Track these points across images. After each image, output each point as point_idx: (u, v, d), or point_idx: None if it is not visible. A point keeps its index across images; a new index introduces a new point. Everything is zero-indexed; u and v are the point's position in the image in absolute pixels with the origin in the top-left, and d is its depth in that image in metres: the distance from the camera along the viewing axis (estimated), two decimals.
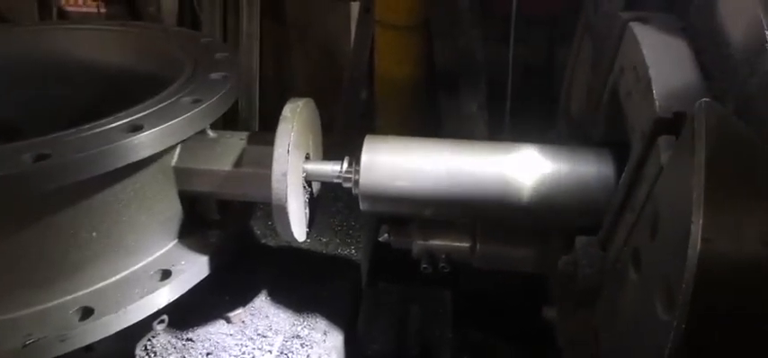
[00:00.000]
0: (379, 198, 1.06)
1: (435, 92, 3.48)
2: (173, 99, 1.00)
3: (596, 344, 0.93)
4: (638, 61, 0.87)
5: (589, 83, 1.16)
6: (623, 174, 0.89)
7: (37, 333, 0.89)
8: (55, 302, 0.94)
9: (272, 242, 1.48)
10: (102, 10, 3.73)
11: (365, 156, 1.05)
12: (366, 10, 3.75)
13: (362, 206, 1.08)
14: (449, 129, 3.55)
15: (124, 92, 1.35)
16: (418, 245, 1.20)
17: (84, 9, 3.75)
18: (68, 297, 0.95)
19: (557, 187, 1.02)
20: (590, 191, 1.03)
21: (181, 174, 1.05)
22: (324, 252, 1.44)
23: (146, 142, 0.89)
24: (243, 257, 1.30)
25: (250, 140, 1.09)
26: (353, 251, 1.48)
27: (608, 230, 0.93)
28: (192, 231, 1.12)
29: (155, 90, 1.22)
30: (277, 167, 0.98)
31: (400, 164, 1.05)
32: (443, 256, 1.20)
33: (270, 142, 1.07)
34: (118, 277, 1.00)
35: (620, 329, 0.85)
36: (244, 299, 1.25)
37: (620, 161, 1.01)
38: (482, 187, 1.03)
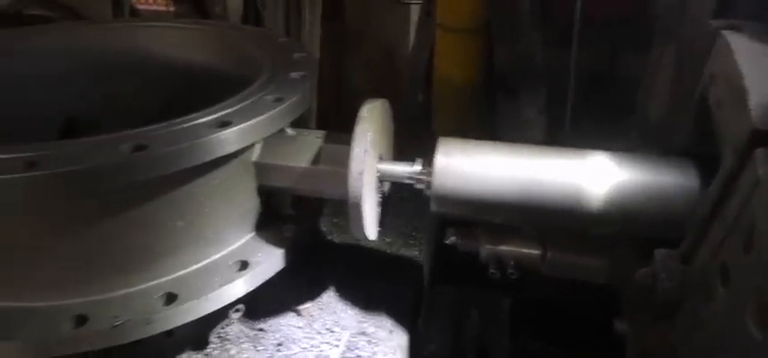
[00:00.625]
0: (451, 201, 1.06)
1: (493, 95, 3.45)
2: (256, 97, 1.04)
3: None
4: (731, 70, 0.84)
5: (672, 90, 1.13)
6: (712, 186, 0.86)
7: (124, 315, 0.94)
8: (140, 287, 0.99)
9: (337, 239, 1.50)
10: (171, 8, 3.88)
11: (439, 159, 1.05)
12: (427, 13, 3.76)
13: (433, 208, 1.08)
14: (506, 134, 3.51)
15: (200, 89, 1.40)
16: (486, 249, 1.20)
17: (155, 7, 3.92)
18: (153, 282, 0.99)
19: (636, 197, 1.00)
20: (671, 202, 1.00)
21: (260, 169, 1.09)
22: (388, 252, 1.45)
23: (233, 138, 0.93)
24: (311, 253, 1.33)
25: (327, 139, 1.12)
26: (417, 252, 1.49)
27: (691, 243, 0.91)
28: (268, 225, 1.15)
29: (232, 88, 1.27)
30: (354, 166, 1.00)
31: (474, 167, 1.05)
32: (512, 262, 1.20)
33: (346, 141, 1.09)
34: (199, 266, 1.04)
35: (702, 345, 0.83)
36: (312, 293, 1.28)
37: (703, 171, 0.98)
38: (558, 195, 1.01)
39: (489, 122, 3.51)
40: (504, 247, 1.19)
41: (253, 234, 1.13)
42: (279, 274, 1.12)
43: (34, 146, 0.85)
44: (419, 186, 1.10)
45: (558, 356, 1.91)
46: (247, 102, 1.02)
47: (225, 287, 1.01)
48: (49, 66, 1.38)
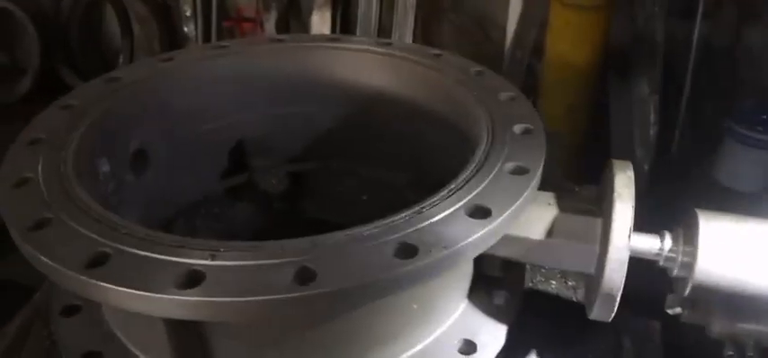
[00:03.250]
0: (713, 290, 0.93)
1: (606, 72, 3.24)
2: (495, 169, 0.91)
3: None
4: None
5: None
6: None
7: None
8: None
9: None
10: None
11: (704, 239, 0.92)
12: None
13: (688, 293, 0.96)
14: (616, 113, 3.31)
15: (378, 115, 1.30)
16: (720, 325, 1.07)
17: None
18: None
19: None
20: None
21: None
22: (573, 299, 1.34)
23: (496, 231, 0.82)
24: None
25: (561, 206, 1.00)
26: None
27: None
28: (477, 289, 1.06)
29: (420, 119, 1.16)
30: (615, 256, 0.88)
31: (749, 252, 0.91)
32: (751, 343, 1.07)
33: (585, 211, 0.98)
34: (424, 344, 0.96)
35: None
36: (517, 354, 1.18)
37: None
38: None
39: (599, 101, 3.31)
40: (743, 325, 1.06)
41: (466, 303, 1.04)
42: None
43: (294, 246, 0.76)
44: (667, 265, 0.97)
45: None
46: (489, 176, 0.90)
47: None
48: (226, 90, 1.30)
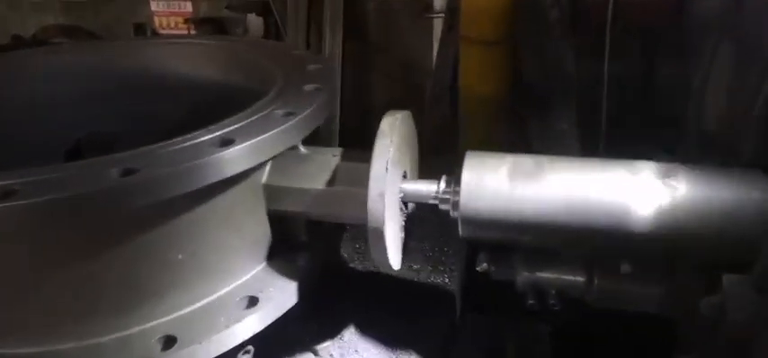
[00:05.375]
0: (482, 223, 0.94)
1: (523, 109, 3.32)
2: (265, 112, 0.94)
3: None
4: None
5: (734, 92, 0.99)
6: None
7: None
8: (136, 329, 0.88)
9: (359, 267, 1.39)
10: (193, 32, 3.89)
11: (466, 176, 0.93)
12: (449, 27, 3.66)
13: (462, 232, 0.96)
14: (538, 149, 3.37)
15: (217, 105, 1.32)
16: (523, 277, 1.07)
17: (176, 31, 3.93)
18: (150, 324, 0.89)
19: (696, 213, 0.87)
20: (737, 220, 0.87)
21: (270, 192, 0.99)
22: (415, 280, 1.33)
23: (237, 157, 0.83)
24: (329, 284, 1.22)
25: (344, 157, 1.01)
26: (447, 280, 1.36)
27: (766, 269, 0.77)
28: (279, 254, 1.05)
29: (248, 103, 1.18)
30: (374, 186, 0.89)
31: (507, 184, 0.93)
32: (553, 291, 1.07)
33: (366, 159, 0.99)
34: (202, 303, 0.94)
35: None
36: (331, 330, 1.16)
37: None
38: (604, 214, 0.89)
39: (519, 137, 3.38)
40: (543, 274, 1.06)
41: (263, 265, 1.03)
42: (294, 309, 1.01)
43: (13, 172, 0.76)
44: (444, 207, 0.98)
45: None
46: (255, 117, 0.92)
47: (231, 327, 0.90)
48: (69, 84, 1.31)
